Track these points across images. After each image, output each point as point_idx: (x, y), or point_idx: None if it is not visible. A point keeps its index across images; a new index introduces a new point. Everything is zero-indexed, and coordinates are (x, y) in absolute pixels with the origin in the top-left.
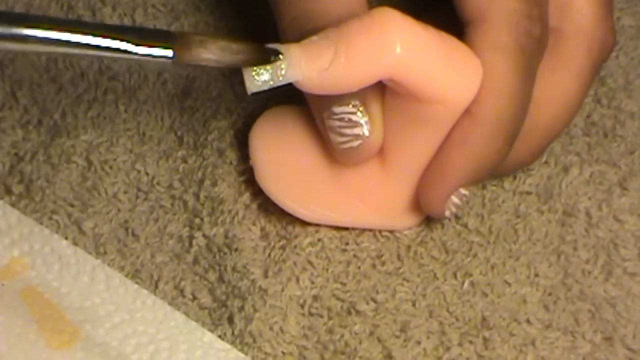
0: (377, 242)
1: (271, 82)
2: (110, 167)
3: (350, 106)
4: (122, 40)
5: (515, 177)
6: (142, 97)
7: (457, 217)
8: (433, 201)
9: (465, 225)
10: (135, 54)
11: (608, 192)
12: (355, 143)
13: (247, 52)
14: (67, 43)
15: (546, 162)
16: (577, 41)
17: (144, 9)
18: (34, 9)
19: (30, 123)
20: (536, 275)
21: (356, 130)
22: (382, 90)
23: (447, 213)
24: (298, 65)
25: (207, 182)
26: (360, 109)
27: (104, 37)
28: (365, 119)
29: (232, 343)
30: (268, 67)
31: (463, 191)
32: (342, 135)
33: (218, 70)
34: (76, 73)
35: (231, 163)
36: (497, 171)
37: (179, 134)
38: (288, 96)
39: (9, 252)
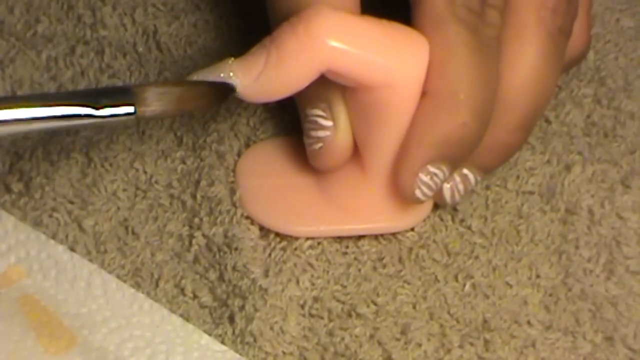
0: (378, 244)
1: None
2: (110, 165)
3: (320, 109)
4: (81, 105)
5: (518, 177)
6: None
7: (461, 220)
8: (401, 178)
9: (469, 227)
10: (98, 116)
11: (610, 190)
12: (317, 146)
13: (206, 95)
14: (24, 120)
15: (548, 161)
16: (526, 9)
17: (144, 8)
18: (33, 8)
19: None
20: (537, 276)
21: (320, 133)
22: (343, 91)
23: (418, 193)
24: (236, 77)
25: (203, 183)
26: (328, 112)
27: (62, 105)
28: (330, 123)
29: (233, 342)
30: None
31: (432, 169)
32: (309, 137)
33: None
34: (76, 72)
35: (228, 166)
36: (487, 161)
37: (178, 134)
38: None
39: (5, 259)
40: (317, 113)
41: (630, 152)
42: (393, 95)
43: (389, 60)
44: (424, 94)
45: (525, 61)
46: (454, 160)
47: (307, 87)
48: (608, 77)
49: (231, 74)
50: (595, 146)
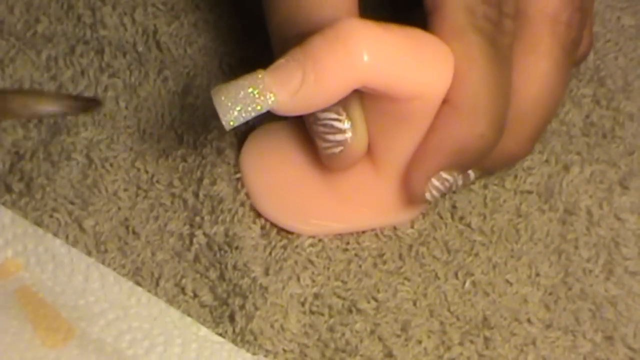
0: (378, 241)
1: (248, 114)
2: (111, 165)
3: (333, 112)
4: None
5: (516, 177)
6: (143, 94)
7: (460, 217)
8: (414, 182)
9: (468, 225)
10: None
11: (609, 191)
12: (337, 149)
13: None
14: None
15: (547, 161)
16: (541, 23)
17: (144, 8)
18: (33, 8)
19: (31, 122)
20: (537, 274)
21: (338, 137)
22: (361, 94)
23: (428, 196)
24: (270, 92)
25: (206, 181)
26: (343, 115)
27: None
28: (348, 125)
29: (233, 341)
30: (241, 99)
31: (445, 175)
32: (326, 141)
33: (219, 69)
34: (76, 71)
35: (229, 163)
36: (491, 166)
37: (179, 132)
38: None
39: (2, 252)
40: (330, 116)
41: (628, 153)
42: (420, 106)
43: (420, 73)
44: (443, 102)
45: (540, 75)
46: (467, 167)
47: None
48: (607, 78)
49: (267, 92)
50: (593, 146)
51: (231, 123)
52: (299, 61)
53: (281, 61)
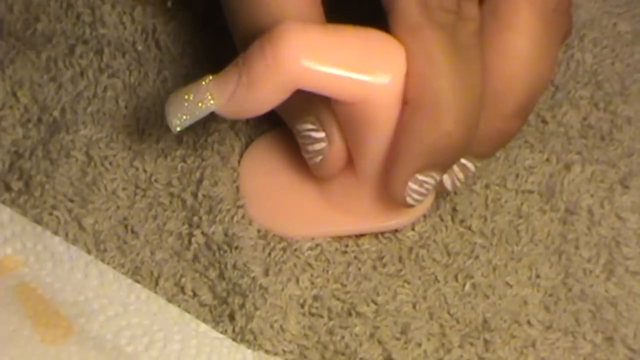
0: (378, 243)
1: (192, 116)
2: (110, 163)
3: (309, 123)
4: None
5: (517, 176)
6: (143, 94)
7: (460, 220)
8: (392, 189)
9: (469, 227)
10: None
11: (610, 190)
12: (318, 159)
13: None
14: None
15: (547, 160)
16: None
17: (143, 7)
18: (33, 6)
19: (31, 121)
20: (537, 276)
21: (317, 146)
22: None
23: (410, 200)
24: (212, 97)
25: (205, 182)
26: (317, 124)
27: None
28: (323, 134)
29: (233, 340)
30: (185, 102)
31: (421, 177)
32: (307, 152)
33: (219, 68)
34: (76, 72)
35: (228, 164)
36: (483, 150)
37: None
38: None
39: (1, 250)
40: (307, 127)
41: (627, 156)
42: (370, 110)
43: (362, 75)
44: (405, 102)
45: (517, 48)
46: (443, 166)
47: (292, 104)
48: (605, 82)
49: (208, 95)
50: (592, 148)
51: (176, 124)
52: (238, 66)
53: (227, 67)
